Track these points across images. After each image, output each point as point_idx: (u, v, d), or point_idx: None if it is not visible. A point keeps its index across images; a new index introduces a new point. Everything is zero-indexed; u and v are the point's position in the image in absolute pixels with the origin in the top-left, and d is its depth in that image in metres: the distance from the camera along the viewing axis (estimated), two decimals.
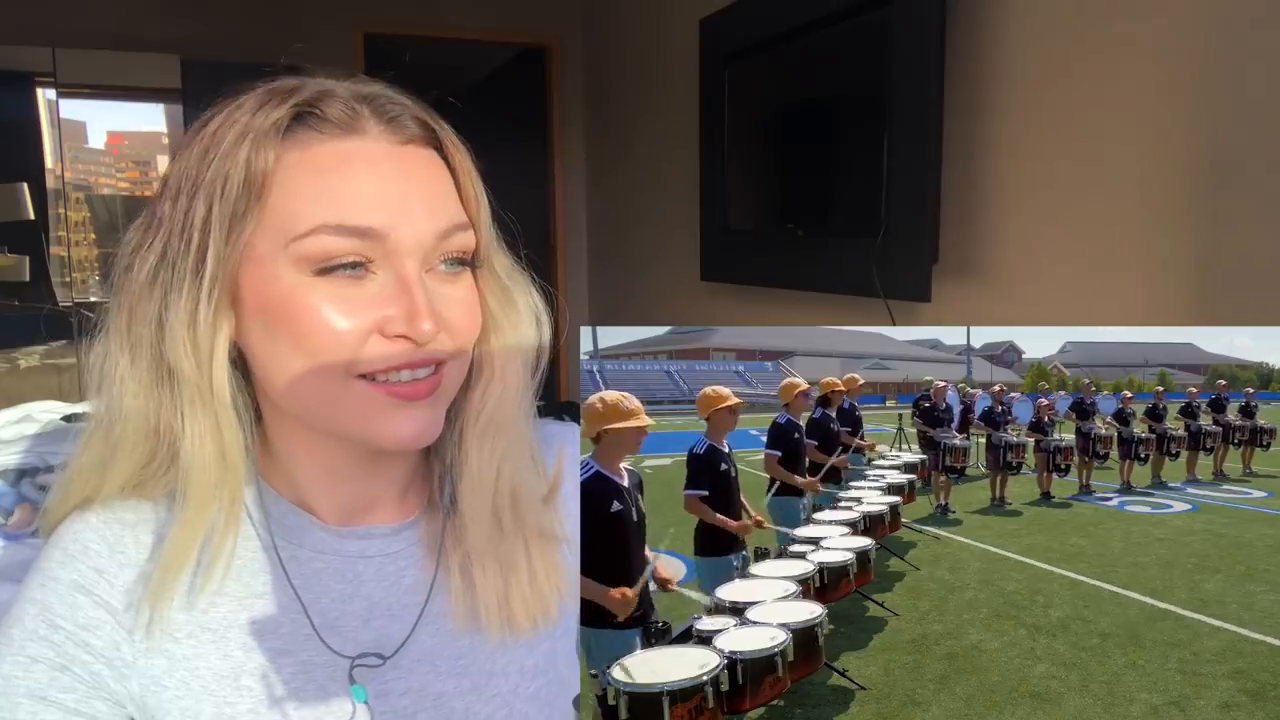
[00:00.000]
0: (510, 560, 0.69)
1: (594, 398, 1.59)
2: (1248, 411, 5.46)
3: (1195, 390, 5.55)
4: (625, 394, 1.58)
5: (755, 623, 1.55)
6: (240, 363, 0.64)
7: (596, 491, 1.52)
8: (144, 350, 0.62)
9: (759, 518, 2.22)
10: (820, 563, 2.02)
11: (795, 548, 2.16)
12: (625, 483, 1.58)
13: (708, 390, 2.19)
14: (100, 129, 4.56)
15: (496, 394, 0.68)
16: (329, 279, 0.59)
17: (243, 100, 0.61)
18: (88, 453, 0.65)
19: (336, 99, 0.61)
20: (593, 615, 1.47)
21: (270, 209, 0.59)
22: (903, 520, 3.00)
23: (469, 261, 0.65)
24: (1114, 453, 4.96)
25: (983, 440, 4.74)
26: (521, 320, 0.69)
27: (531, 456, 0.72)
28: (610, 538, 1.52)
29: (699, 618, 1.58)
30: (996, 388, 5.08)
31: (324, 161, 0.60)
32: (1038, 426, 4.81)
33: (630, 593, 1.46)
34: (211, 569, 0.63)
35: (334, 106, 0.61)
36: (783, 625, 1.51)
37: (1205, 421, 5.32)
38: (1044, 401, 4.96)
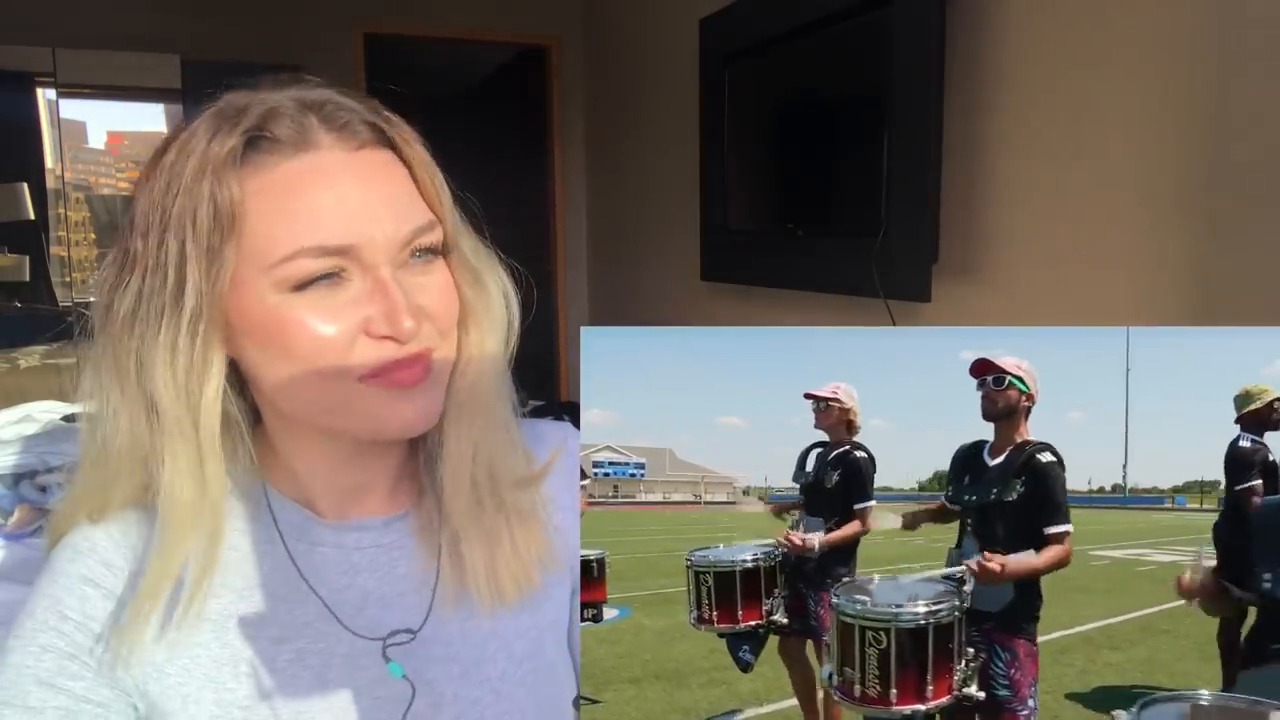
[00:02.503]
0: (493, 532, 0.71)
1: None
2: None
3: None
4: None
5: None
6: (232, 375, 0.65)
7: None
8: (130, 386, 0.63)
9: None
10: None
11: None
12: None
13: None
14: (100, 129, 4.54)
15: (473, 375, 0.69)
16: (307, 292, 0.61)
17: (194, 127, 0.62)
18: (82, 486, 0.67)
19: (284, 116, 0.62)
20: None
21: (246, 237, 0.60)
22: None
23: (439, 250, 0.66)
24: None
25: None
26: (492, 300, 0.70)
27: (513, 440, 0.73)
28: None
29: None
30: None
31: (285, 184, 0.61)
32: None
33: None
34: (189, 605, 0.63)
35: (282, 125, 0.61)
36: None
37: None
38: None
